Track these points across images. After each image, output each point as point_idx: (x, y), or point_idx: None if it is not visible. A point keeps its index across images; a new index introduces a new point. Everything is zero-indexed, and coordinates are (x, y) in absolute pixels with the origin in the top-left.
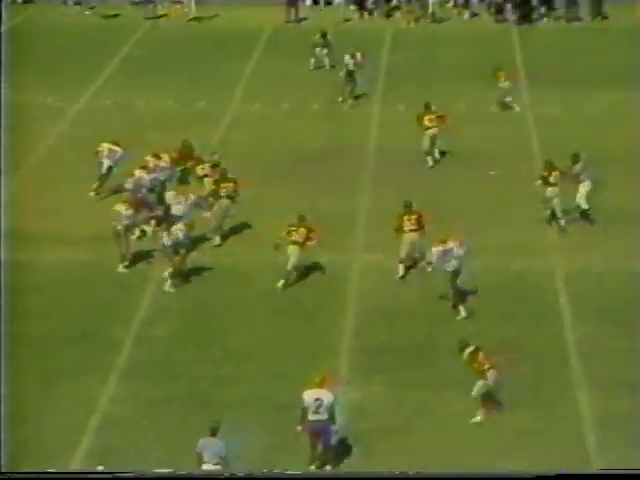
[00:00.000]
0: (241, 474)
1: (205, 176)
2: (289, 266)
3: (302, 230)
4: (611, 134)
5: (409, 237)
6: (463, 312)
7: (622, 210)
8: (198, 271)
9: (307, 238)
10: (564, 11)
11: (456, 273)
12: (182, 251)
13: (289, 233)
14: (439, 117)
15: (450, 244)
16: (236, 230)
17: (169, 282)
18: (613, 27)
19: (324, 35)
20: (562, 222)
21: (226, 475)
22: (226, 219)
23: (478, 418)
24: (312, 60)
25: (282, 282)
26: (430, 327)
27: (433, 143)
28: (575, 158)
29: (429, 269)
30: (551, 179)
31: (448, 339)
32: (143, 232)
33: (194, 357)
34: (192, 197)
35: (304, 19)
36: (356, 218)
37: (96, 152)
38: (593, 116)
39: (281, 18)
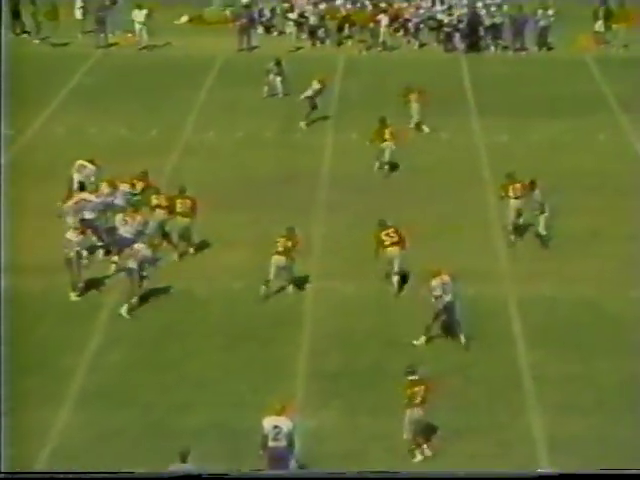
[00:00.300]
0: (242, 474)
1: (158, 206)
2: (270, 275)
3: (282, 240)
4: (557, 161)
5: (390, 252)
6: (463, 339)
7: (573, 236)
8: (152, 297)
9: (288, 248)
10: (511, 41)
11: (451, 305)
12: (146, 272)
13: (275, 244)
14: (393, 133)
15: (445, 277)
16: (190, 256)
17: (125, 306)
18: (558, 57)
19: (278, 62)
20: (512, 237)
21: (226, 475)
22: (185, 237)
23: (420, 457)
24: (265, 88)
25: (263, 290)
26: (386, 352)
27: (385, 157)
28: (532, 185)
29: (439, 304)
30: (510, 193)
31: (403, 364)
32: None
33: (149, 384)
34: (139, 219)
35: (256, 47)
36: (311, 244)
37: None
38: (540, 144)
39: (233, 46)
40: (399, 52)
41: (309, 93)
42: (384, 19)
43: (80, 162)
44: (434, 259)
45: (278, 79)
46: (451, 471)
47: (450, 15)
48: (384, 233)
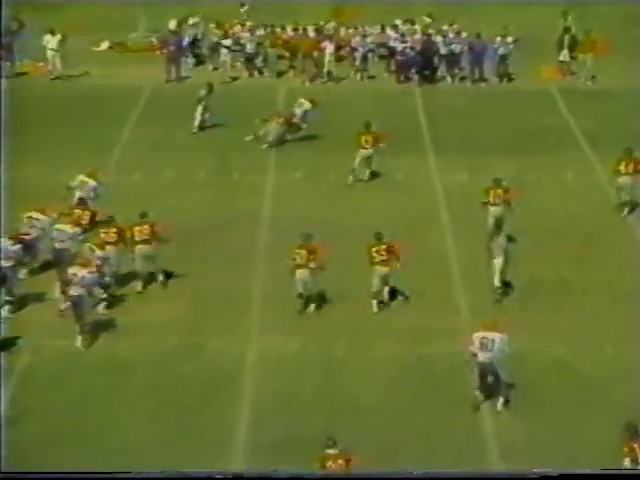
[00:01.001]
0: (243, 474)
1: (107, 243)
2: (299, 289)
3: (303, 252)
4: (522, 203)
5: (379, 270)
6: (499, 405)
7: (540, 286)
8: (69, 362)
9: (309, 259)
10: (469, 71)
11: (487, 366)
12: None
13: (293, 257)
14: (376, 137)
15: (490, 333)
16: (113, 315)
17: (79, 338)
18: (520, 89)
19: (211, 89)
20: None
21: (226, 475)
22: (149, 264)
23: None
24: (197, 119)
25: (300, 306)
26: (332, 418)
27: (367, 164)
28: (498, 226)
29: (478, 358)
30: (490, 198)
31: (351, 431)
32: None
33: (70, 456)
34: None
35: (187, 78)
36: (251, 297)
37: (68, 187)
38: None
39: (160, 77)
40: (346, 83)
41: (297, 112)
42: (329, 46)
43: (81, 177)
44: (387, 314)
45: (201, 109)
46: (451, 471)
47: (403, 42)
48: (375, 249)
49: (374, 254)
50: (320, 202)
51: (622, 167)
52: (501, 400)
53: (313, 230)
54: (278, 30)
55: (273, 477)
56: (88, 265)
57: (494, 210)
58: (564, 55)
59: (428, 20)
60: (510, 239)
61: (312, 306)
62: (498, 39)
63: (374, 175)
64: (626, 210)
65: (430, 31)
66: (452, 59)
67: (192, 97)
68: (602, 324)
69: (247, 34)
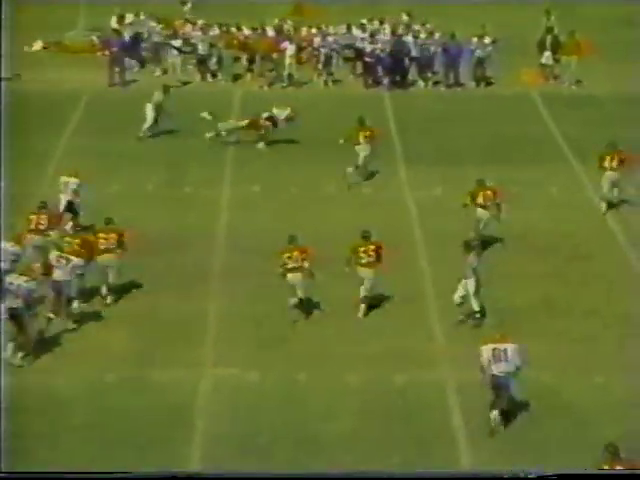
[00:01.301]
0: (243, 474)
1: (72, 252)
2: (299, 294)
3: (295, 254)
4: (502, 219)
5: (362, 272)
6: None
7: (522, 308)
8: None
9: (302, 260)
10: (443, 75)
11: (500, 381)
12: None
13: (283, 263)
14: (371, 132)
15: (503, 345)
16: (51, 344)
17: (19, 355)
18: (499, 94)
19: (166, 91)
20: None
21: (226, 475)
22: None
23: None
24: (147, 122)
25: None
26: (295, 455)
27: (359, 162)
28: (467, 247)
29: (486, 377)
30: (479, 200)
31: (317, 469)
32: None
33: None
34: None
35: (132, 82)
36: (205, 322)
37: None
38: None
39: (102, 80)
40: (309, 88)
41: (279, 117)
42: (289, 47)
43: (64, 178)
44: (356, 340)
45: (152, 110)
46: (451, 471)
47: (372, 43)
48: (363, 249)
49: (361, 254)
50: (280, 218)
51: (607, 162)
52: (496, 414)
53: (272, 250)
54: (233, 29)
55: (275, 477)
56: (28, 273)
57: (483, 213)
58: (546, 57)
59: (405, 18)
60: (485, 246)
61: (294, 312)
62: (474, 40)
63: (337, 189)
64: (604, 207)
65: (400, 31)
66: (425, 61)
67: (138, 103)
68: (591, 350)
69: (199, 33)
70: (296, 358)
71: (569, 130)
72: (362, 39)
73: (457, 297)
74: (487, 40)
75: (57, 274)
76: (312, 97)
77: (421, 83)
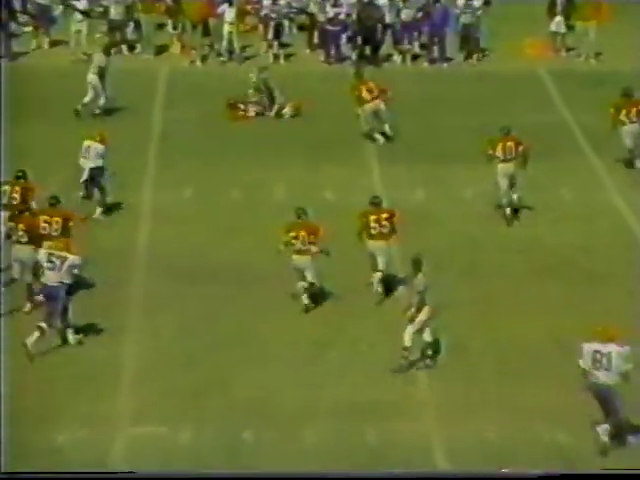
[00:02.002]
0: (243, 474)
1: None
2: (308, 277)
3: (302, 233)
4: (498, 230)
5: (374, 245)
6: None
7: (522, 344)
8: None
9: (309, 242)
10: (426, 47)
11: (603, 391)
12: None
13: (290, 241)
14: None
15: (609, 346)
16: None
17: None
18: (495, 71)
19: (108, 51)
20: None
21: (226, 475)
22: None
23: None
24: (93, 93)
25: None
26: None
27: (377, 117)
28: (416, 265)
29: (593, 378)
30: (499, 152)
31: None
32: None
33: None
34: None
35: (23, 54)
36: (119, 367)
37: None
38: (473, 203)
39: None
40: (254, 63)
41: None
42: (228, 12)
43: (87, 143)
44: (321, 386)
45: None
46: (451, 471)
47: (335, 7)
48: (374, 218)
49: (372, 224)
50: (217, 230)
51: (623, 115)
52: (606, 428)
53: (207, 273)
54: None
55: (276, 477)
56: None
57: (505, 167)
58: (557, 24)
59: None
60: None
61: (304, 297)
62: (461, 2)
63: (294, 193)
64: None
65: None
66: (401, 30)
67: (32, 82)
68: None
69: None
70: (239, 410)
71: (585, 116)
72: (321, 2)
73: (408, 336)
74: (476, 2)
75: (50, 276)
76: None
77: (397, 57)
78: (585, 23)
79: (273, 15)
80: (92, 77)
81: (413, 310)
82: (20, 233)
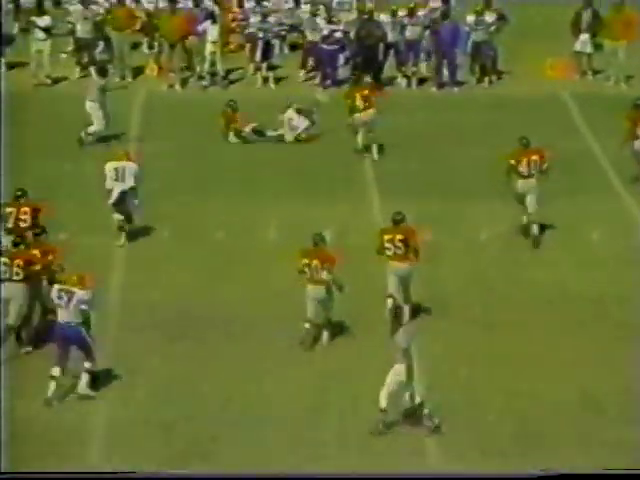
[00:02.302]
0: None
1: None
2: (308, 314)
3: (315, 263)
4: (515, 273)
5: (393, 267)
6: None
7: (538, 415)
8: None
9: (322, 270)
10: (433, 69)
11: None
12: None
13: (302, 269)
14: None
15: None
16: None
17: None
18: (513, 96)
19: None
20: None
21: (226, 475)
22: None
23: None
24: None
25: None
26: None
27: (368, 130)
28: (397, 317)
29: None
30: (523, 166)
31: None
32: None
33: None
34: None
35: None
36: (86, 436)
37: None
38: (487, 245)
39: None
40: (240, 88)
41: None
42: (211, 30)
43: (114, 164)
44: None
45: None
46: (451, 471)
47: (330, 24)
48: (388, 237)
49: (386, 244)
50: (199, 277)
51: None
52: None
53: (188, 326)
54: (129, 2)
55: (276, 477)
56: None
57: (527, 184)
58: (583, 43)
59: None
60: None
61: (325, 335)
62: (471, 18)
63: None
64: None
65: (371, 9)
66: (406, 50)
67: None
68: None
69: (78, 7)
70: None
71: (614, 146)
72: (315, 18)
73: (383, 397)
74: (487, 17)
75: (60, 315)
76: (246, 101)
77: (401, 81)
78: (614, 42)
79: (261, 34)
80: (90, 104)
81: (393, 371)
82: (15, 269)
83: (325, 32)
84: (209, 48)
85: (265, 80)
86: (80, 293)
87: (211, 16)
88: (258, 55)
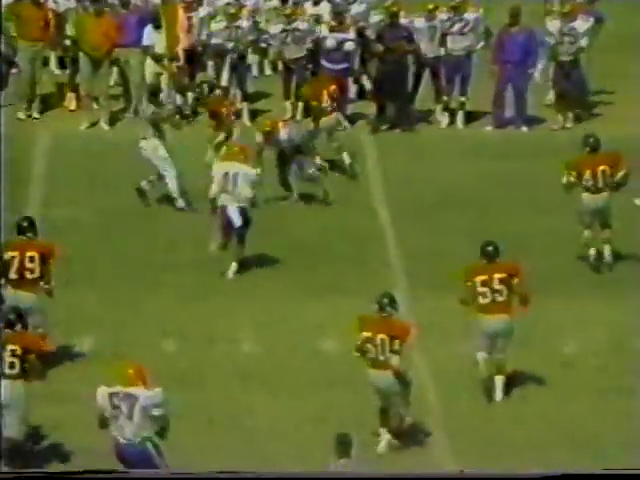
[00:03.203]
0: (244, 474)
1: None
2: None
3: (382, 337)
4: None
5: (487, 320)
6: None
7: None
8: None
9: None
10: (492, 102)
11: None
12: None
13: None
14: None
15: None
16: None
17: None
18: (608, 139)
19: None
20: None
21: (225, 475)
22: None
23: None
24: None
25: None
26: None
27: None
28: (343, 447)
29: None
30: (586, 178)
31: None
32: None
33: None
34: None
35: None
36: None
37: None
38: (548, 331)
39: None
40: (192, 132)
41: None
42: (156, 40)
43: (224, 165)
44: None
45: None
46: (451, 471)
47: (339, 32)
48: (481, 279)
49: (479, 288)
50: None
51: None
52: None
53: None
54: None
55: (276, 477)
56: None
57: (594, 200)
58: None
59: None
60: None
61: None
62: (556, 25)
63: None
64: None
65: (395, 9)
66: (449, 70)
67: None
68: None
69: None
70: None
71: None
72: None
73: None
74: (576, 24)
75: (119, 430)
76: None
77: (441, 116)
78: None
79: (229, 45)
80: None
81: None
82: (11, 360)
83: (330, 43)
84: (152, 67)
85: (236, 114)
86: (144, 395)
87: (154, 22)
88: (225, 77)
